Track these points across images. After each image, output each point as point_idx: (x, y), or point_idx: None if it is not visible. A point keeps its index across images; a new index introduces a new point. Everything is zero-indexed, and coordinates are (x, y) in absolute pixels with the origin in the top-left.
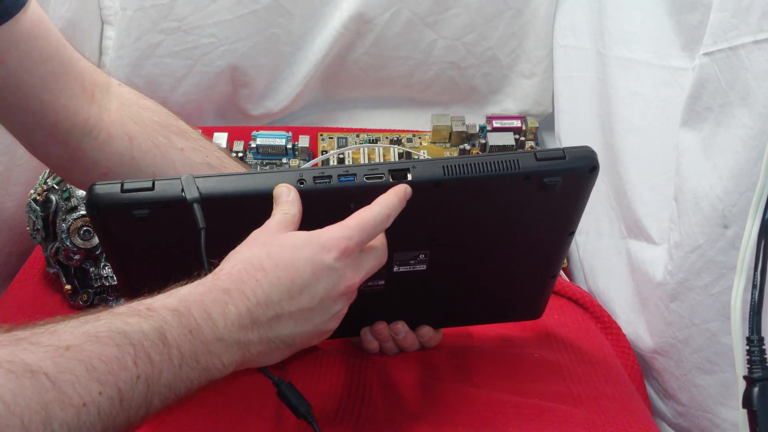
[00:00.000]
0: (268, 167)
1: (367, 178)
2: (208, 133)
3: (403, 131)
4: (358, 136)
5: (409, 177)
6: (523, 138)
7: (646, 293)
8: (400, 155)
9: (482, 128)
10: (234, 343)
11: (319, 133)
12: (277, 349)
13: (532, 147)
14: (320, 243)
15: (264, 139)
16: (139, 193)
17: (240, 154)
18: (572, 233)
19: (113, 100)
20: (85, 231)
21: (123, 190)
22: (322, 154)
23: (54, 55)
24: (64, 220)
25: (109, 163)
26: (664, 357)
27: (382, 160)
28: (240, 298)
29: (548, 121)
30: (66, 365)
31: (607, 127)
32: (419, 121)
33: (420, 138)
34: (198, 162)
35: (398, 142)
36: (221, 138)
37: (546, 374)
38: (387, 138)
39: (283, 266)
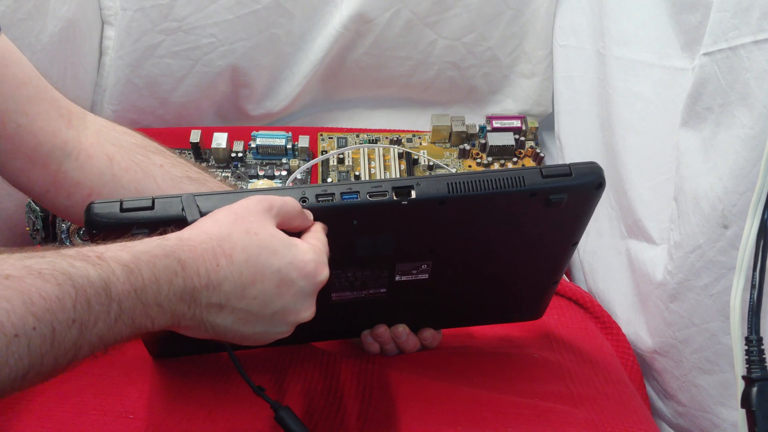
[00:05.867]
0: (267, 167)
1: (370, 196)
2: (208, 133)
3: (403, 131)
4: (358, 136)
5: (413, 194)
6: (523, 138)
7: (646, 293)
8: (400, 155)
9: (482, 128)
10: (169, 312)
11: (319, 133)
12: (205, 332)
13: (532, 147)
14: (303, 263)
15: (264, 139)
16: (138, 212)
17: (240, 154)
18: (575, 243)
19: (89, 126)
20: (84, 231)
21: (122, 209)
22: (322, 154)
23: (28, 81)
24: (63, 220)
25: (91, 183)
26: (664, 357)
27: (382, 160)
28: (191, 274)
29: (548, 121)
30: (2, 293)
31: (607, 127)
32: (419, 121)
33: (420, 138)
34: (179, 176)
35: (398, 142)
36: (221, 138)
37: (546, 374)
38: (387, 138)
39: (252, 265)
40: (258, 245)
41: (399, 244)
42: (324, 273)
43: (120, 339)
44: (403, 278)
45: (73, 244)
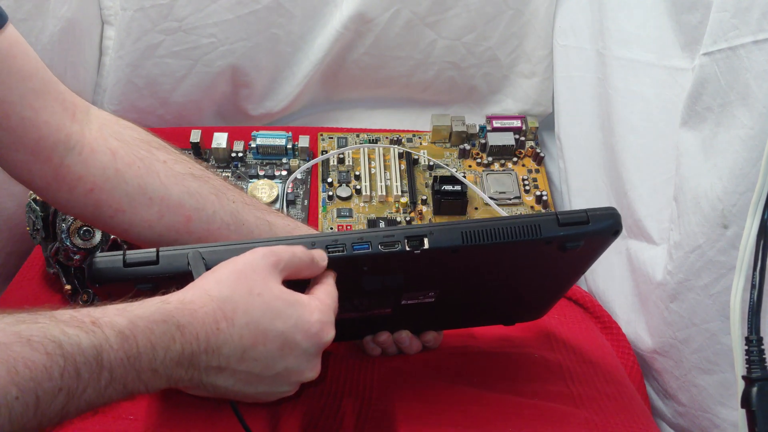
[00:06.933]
0: (268, 167)
1: (382, 246)
2: (208, 133)
3: (403, 131)
4: (358, 136)
5: (426, 244)
6: (523, 138)
7: (646, 293)
8: (400, 155)
9: (482, 128)
10: (165, 376)
11: (319, 133)
12: (205, 391)
13: (532, 147)
14: (308, 325)
15: (264, 139)
16: (142, 267)
17: (240, 154)
18: (584, 272)
19: (93, 121)
20: (85, 231)
21: (125, 264)
22: (322, 154)
23: (34, 74)
24: (64, 220)
25: (94, 178)
26: (664, 357)
27: (382, 160)
28: (190, 340)
29: (548, 121)
30: None
31: (607, 127)
32: (419, 121)
33: (420, 138)
34: (182, 172)
35: (398, 142)
36: (221, 138)
37: (546, 374)
38: (387, 138)
39: (254, 328)
40: (261, 307)
41: (408, 281)
42: (329, 334)
43: (110, 402)
44: (409, 302)
45: (72, 243)
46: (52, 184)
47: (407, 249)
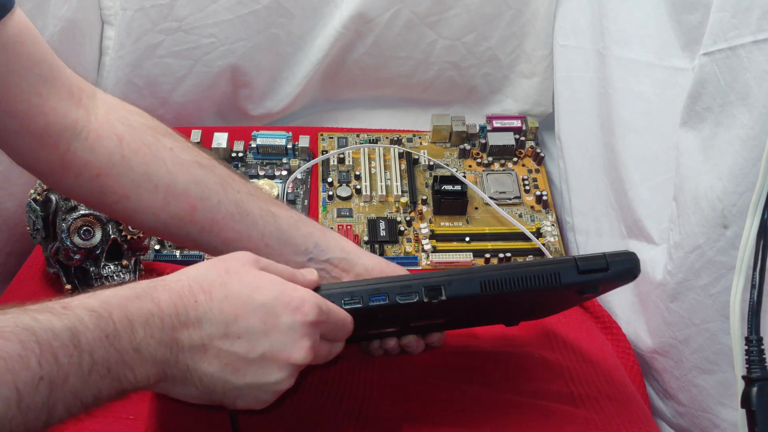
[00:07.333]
0: (268, 167)
1: (400, 298)
2: (208, 133)
3: (403, 131)
4: (358, 136)
5: (443, 296)
6: (523, 138)
7: (646, 293)
8: (401, 155)
9: (482, 128)
10: (150, 358)
11: (319, 133)
12: (194, 386)
13: (532, 147)
14: (289, 298)
15: (264, 139)
16: None
17: (240, 154)
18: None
19: (100, 105)
20: (85, 231)
21: None
22: (323, 154)
23: (42, 60)
24: (64, 219)
25: (100, 164)
26: (664, 357)
27: (382, 160)
28: (168, 313)
29: (548, 121)
30: None
31: (607, 127)
32: (419, 121)
33: (420, 138)
34: (188, 160)
35: (398, 142)
36: (221, 138)
37: (546, 374)
38: (387, 138)
39: (234, 300)
40: (239, 282)
41: (420, 316)
42: (312, 312)
43: (100, 395)
44: (419, 323)
45: (73, 243)
46: (57, 170)
47: (425, 300)
